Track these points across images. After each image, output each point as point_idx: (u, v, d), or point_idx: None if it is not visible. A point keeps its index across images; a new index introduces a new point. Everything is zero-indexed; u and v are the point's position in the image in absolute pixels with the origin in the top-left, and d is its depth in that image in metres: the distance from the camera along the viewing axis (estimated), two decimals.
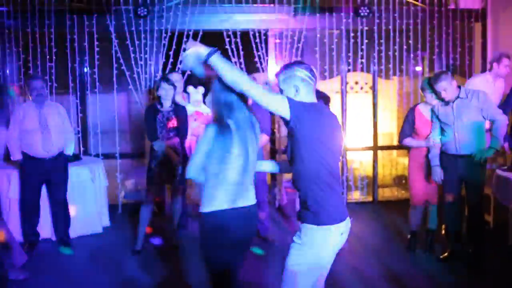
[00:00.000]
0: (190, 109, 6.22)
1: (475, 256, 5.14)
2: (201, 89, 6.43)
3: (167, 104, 5.67)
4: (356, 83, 8.21)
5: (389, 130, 8.78)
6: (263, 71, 7.47)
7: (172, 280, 5.08)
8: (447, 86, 4.98)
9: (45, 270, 5.35)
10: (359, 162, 8.54)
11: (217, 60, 2.93)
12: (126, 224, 6.78)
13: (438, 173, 5.20)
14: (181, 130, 5.72)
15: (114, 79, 7.26)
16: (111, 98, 7.35)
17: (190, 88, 6.47)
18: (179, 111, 5.72)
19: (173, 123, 5.64)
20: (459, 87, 5.10)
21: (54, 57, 7.09)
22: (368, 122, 7.96)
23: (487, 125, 5.20)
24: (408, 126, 5.51)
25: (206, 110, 6.45)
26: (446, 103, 5.10)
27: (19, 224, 5.94)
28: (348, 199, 7.81)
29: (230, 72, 2.92)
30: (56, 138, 5.80)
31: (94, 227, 6.45)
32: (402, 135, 5.55)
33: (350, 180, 7.80)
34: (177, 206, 5.89)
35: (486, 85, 6.11)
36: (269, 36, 7.47)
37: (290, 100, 2.92)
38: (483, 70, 7.62)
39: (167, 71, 7.25)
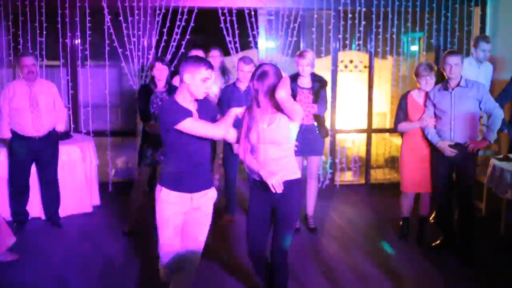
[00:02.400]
0: None
1: (466, 245, 5.13)
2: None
3: (161, 85, 5.55)
4: (351, 61, 8.12)
5: (383, 110, 8.73)
6: (256, 48, 7.37)
7: None
8: (459, 62, 4.95)
9: (34, 250, 5.30)
10: (352, 142, 8.49)
11: None
12: (117, 203, 6.71)
13: (445, 146, 5.09)
14: None
15: (106, 55, 7.11)
16: (103, 74, 7.21)
17: None
18: (173, 92, 5.60)
19: None
20: (460, 76, 5.05)
21: (44, 32, 6.91)
22: (362, 102, 7.89)
23: None
24: (401, 113, 5.48)
25: (213, 91, 6.29)
26: (445, 88, 5.05)
27: (8, 203, 5.86)
28: (340, 181, 7.78)
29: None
30: (47, 117, 5.70)
31: (84, 206, 6.38)
32: (397, 122, 5.52)
33: (343, 163, 7.75)
34: None
35: (469, 68, 6.07)
36: (259, 14, 7.31)
37: None
38: None
39: (160, 49, 7.12)
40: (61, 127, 5.97)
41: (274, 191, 3.60)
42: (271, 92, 3.55)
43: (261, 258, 3.93)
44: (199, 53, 6.12)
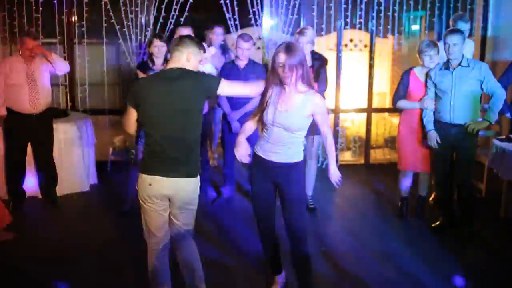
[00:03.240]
0: None
1: (465, 226, 5.10)
2: (213, 49, 6.08)
3: (159, 62, 5.46)
4: (351, 40, 8.01)
5: (383, 89, 8.63)
6: (257, 26, 7.26)
7: None
8: (458, 41, 4.84)
9: (31, 229, 5.27)
10: (351, 121, 8.42)
11: None
12: (115, 182, 6.67)
13: (433, 138, 5.11)
14: None
15: (104, 32, 6.99)
16: (100, 52, 7.10)
17: None
18: None
19: None
20: (462, 55, 4.95)
21: (40, 8, 6.79)
22: (361, 82, 7.79)
23: None
24: (402, 89, 5.41)
25: (210, 70, 6.18)
26: (446, 67, 4.97)
27: (5, 182, 5.81)
28: (340, 161, 7.72)
29: None
30: (44, 94, 5.62)
31: (81, 185, 6.33)
32: (396, 97, 5.46)
33: (342, 143, 7.69)
34: None
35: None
36: None
37: None
38: (484, 34, 7.45)
39: (158, 26, 7.00)
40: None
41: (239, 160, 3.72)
42: (297, 68, 3.41)
43: (270, 235, 3.89)
44: (188, 30, 6.01)
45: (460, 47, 4.88)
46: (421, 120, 5.25)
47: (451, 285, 4.25)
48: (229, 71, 5.66)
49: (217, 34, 6.31)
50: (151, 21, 7.02)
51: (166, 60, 5.47)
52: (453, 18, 6.01)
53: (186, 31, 5.95)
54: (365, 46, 7.85)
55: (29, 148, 5.80)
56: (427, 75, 5.18)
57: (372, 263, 4.64)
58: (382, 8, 7.38)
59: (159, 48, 5.38)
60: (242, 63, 5.65)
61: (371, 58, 7.62)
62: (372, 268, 4.55)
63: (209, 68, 5.93)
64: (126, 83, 7.59)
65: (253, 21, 7.23)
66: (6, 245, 4.80)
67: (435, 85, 5.08)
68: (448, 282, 4.28)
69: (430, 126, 5.15)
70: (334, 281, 4.30)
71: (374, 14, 7.41)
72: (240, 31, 6.97)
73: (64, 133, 6.13)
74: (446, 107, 5.01)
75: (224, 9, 7.03)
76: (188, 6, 6.95)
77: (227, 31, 7.12)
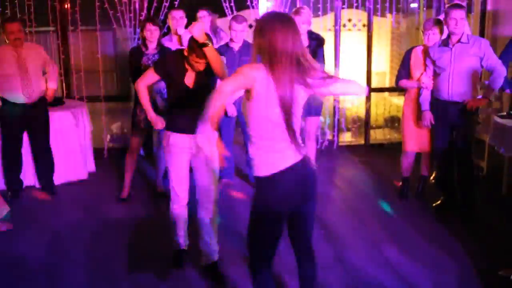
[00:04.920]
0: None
1: (467, 205, 5.05)
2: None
3: (152, 46, 5.38)
4: (349, 20, 7.91)
5: (382, 69, 8.54)
6: (253, 8, 7.16)
7: (158, 228, 4.97)
8: (464, 16, 4.75)
9: (29, 219, 5.23)
10: (350, 102, 8.34)
11: None
12: (112, 169, 6.62)
13: (427, 118, 5.06)
14: None
15: (97, 18, 6.90)
16: (94, 38, 7.01)
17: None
18: (164, 53, 5.43)
19: None
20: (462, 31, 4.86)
21: None
22: (360, 62, 7.70)
23: None
24: (404, 68, 5.37)
25: None
26: (445, 44, 4.88)
27: (1, 172, 5.77)
28: (339, 141, 7.67)
29: None
30: (36, 82, 5.55)
31: (79, 173, 6.28)
32: (398, 77, 5.43)
33: (342, 123, 7.62)
34: (162, 152, 5.73)
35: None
36: None
37: None
38: (483, 10, 7.33)
39: (152, 11, 6.90)
40: (53, 85, 5.79)
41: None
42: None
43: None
44: (179, 13, 5.90)
45: (465, 22, 4.79)
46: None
47: (453, 264, 4.20)
48: (224, 54, 5.57)
49: (201, 17, 6.22)
50: (145, 5, 6.91)
51: (159, 45, 5.38)
52: None
53: (178, 13, 5.85)
54: (364, 25, 7.74)
55: (25, 137, 5.75)
56: (427, 52, 5.09)
57: (374, 244, 4.59)
58: None
59: (152, 32, 5.28)
60: (236, 46, 5.56)
61: (370, 38, 7.52)
62: (373, 248, 4.51)
63: None
64: (123, 69, 7.53)
65: (249, 3, 7.12)
66: (4, 235, 4.76)
67: (434, 62, 5.00)
68: (449, 261, 4.24)
69: (425, 105, 5.08)
70: (333, 262, 4.26)
71: None
72: (236, 14, 6.87)
73: (60, 121, 6.07)
74: (445, 85, 4.92)
75: None
76: None
77: (223, 14, 7.02)
